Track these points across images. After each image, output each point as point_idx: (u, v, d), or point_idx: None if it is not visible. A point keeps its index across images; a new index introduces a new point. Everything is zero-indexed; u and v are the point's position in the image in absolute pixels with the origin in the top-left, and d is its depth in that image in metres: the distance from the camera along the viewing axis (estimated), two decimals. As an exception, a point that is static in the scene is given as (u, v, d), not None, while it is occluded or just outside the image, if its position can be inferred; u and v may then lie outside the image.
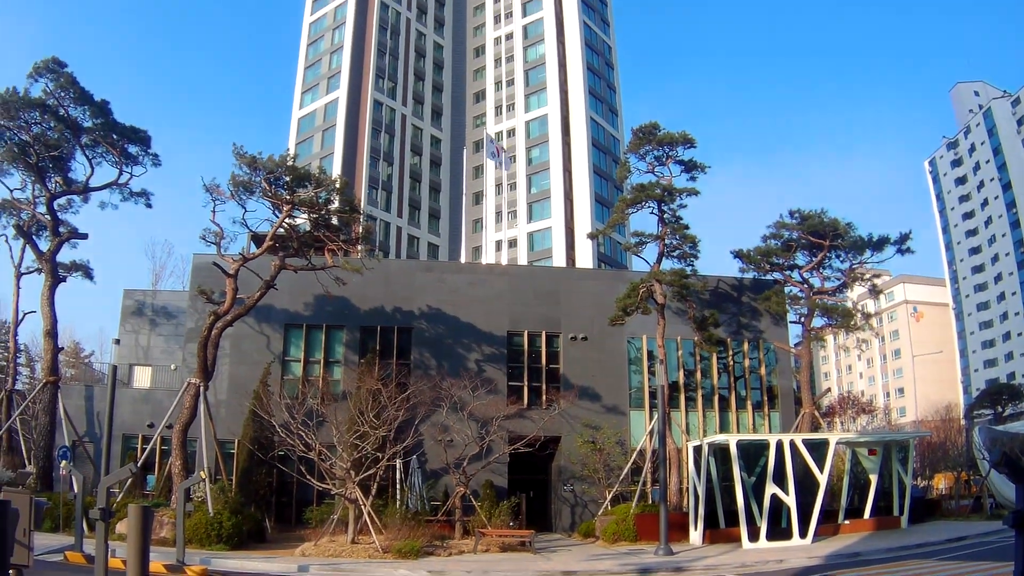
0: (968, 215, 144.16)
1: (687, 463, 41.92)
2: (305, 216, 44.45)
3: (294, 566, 28.90)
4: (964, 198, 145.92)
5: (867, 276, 51.44)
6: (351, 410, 38.67)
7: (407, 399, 39.15)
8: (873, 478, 38.73)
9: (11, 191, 46.94)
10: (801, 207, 50.02)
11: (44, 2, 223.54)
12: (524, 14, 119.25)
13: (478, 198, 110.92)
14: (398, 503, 40.37)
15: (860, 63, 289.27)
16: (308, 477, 37.05)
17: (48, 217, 45.53)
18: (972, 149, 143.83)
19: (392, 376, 40.82)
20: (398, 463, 41.28)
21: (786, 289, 51.27)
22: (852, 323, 48.75)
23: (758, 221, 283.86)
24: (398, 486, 42.31)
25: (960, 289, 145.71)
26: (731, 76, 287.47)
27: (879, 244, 49.45)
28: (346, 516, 35.66)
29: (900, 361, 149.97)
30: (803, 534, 34.78)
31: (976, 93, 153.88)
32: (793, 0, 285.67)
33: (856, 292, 57.03)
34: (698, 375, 49.86)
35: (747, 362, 50.60)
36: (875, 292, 53.57)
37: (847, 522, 38.35)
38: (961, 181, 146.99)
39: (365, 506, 34.66)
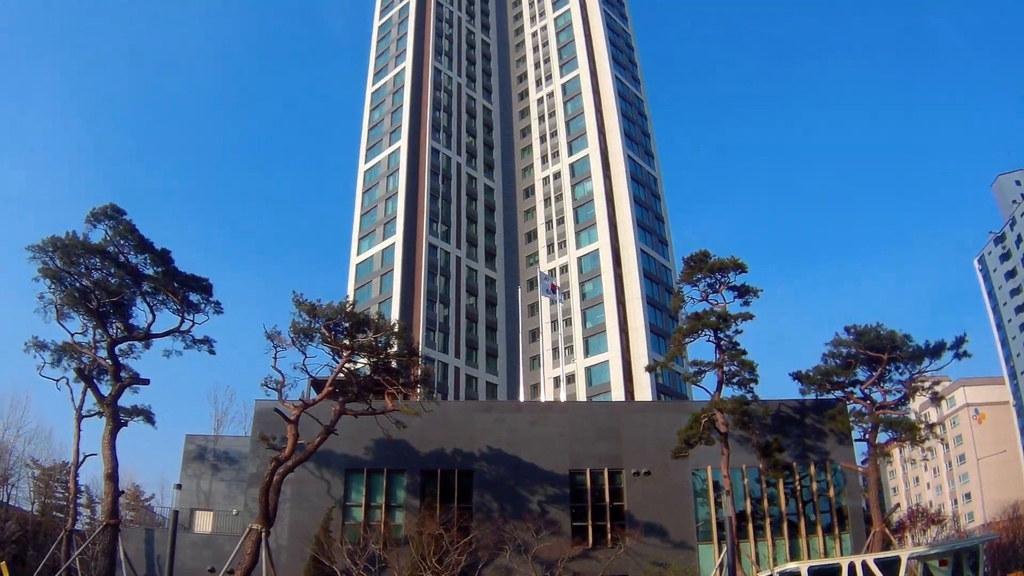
0: (1021, 308, 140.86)
1: (760, 597, 40.48)
2: (364, 361, 44.77)
3: None
4: (1015, 291, 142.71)
5: (927, 385, 50.64)
6: (413, 555, 38.26)
7: (469, 543, 38.59)
8: (945, 587, 37.00)
9: (72, 335, 47.76)
10: (856, 322, 49.97)
11: (108, 150, 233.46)
12: (570, 153, 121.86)
13: (534, 335, 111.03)
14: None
15: (901, 169, 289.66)
16: (371, 625, 36.33)
17: (109, 362, 46.34)
18: (1019, 240, 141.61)
19: (453, 520, 40.48)
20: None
21: (848, 407, 50.32)
22: (917, 436, 47.65)
23: (813, 336, 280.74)
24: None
25: (1020, 385, 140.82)
26: (775, 195, 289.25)
27: (936, 351, 48.88)
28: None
29: (965, 466, 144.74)
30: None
31: (1017, 183, 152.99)
32: (833, 124, 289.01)
33: (918, 402, 55.91)
34: (765, 502, 48.54)
35: (814, 485, 49.21)
36: (936, 400, 52.80)
37: (920, 638, 36.51)
38: (1011, 275, 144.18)
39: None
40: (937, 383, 53.33)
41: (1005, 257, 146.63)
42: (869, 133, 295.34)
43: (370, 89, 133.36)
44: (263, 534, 39.17)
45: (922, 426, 49.55)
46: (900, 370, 50.14)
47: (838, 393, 50.68)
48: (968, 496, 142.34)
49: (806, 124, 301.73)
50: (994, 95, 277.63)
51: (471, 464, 47.56)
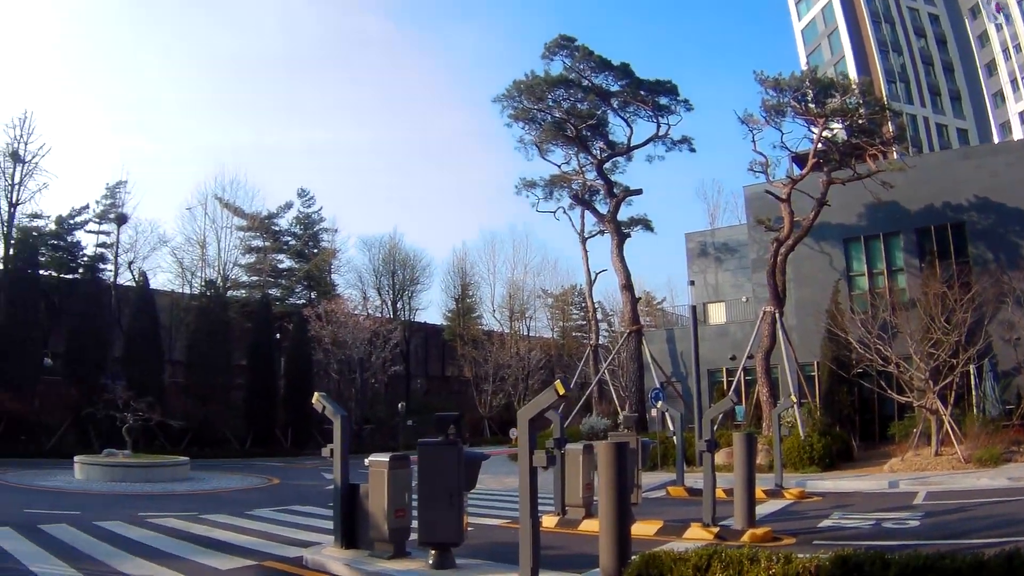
0: None
1: None
2: (837, 126, 44.09)
3: (884, 482, 28.63)
4: None
5: None
6: (921, 317, 37.56)
7: (972, 299, 37.29)
8: None
9: (559, 167, 50.92)
10: None
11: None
12: None
13: (991, 69, 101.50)
14: (974, 410, 38.00)
15: None
16: (888, 391, 36.03)
17: (600, 181, 49.02)
18: None
19: (954, 277, 39.30)
20: (971, 368, 39.13)
21: None
22: None
23: None
24: (972, 392, 40.43)
25: None
26: None
27: None
28: (928, 428, 34.57)
29: None
30: None
31: None
32: None
33: None
34: None
35: None
36: None
37: None
38: None
39: (945, 416, 33.80)
40: None
41: None
42: None
43: None
44: (777, 315, 40.34)
45: None
46: None
47: None
48: None
49: None
50: None
51: (960, 216, 44.58)
